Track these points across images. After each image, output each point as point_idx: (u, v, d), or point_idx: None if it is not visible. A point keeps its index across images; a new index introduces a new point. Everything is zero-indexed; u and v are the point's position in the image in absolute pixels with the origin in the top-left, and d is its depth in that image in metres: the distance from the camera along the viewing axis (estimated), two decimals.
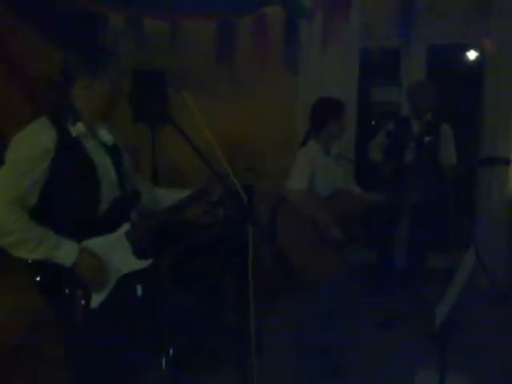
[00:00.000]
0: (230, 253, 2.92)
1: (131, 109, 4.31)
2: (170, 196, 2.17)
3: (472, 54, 4.82)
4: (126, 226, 1.93)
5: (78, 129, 1.86)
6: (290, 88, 4.45)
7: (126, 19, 4.32)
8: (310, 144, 2.91)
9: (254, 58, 4.26)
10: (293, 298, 3.47)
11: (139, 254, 1.96)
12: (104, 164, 1.94)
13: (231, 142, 4.41)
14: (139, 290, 2.77)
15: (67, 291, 1.80)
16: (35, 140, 1.77)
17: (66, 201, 1.82)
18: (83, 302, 1.80)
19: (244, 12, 3.80)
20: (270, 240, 2.70)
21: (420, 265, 3.84)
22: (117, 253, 1.90)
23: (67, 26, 3.59)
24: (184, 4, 3.83)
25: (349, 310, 2.85)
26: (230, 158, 4.32)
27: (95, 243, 1.86)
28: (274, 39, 4.21)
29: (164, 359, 2.57)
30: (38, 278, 1.82)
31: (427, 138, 3.61)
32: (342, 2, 3.33)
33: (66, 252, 1.76)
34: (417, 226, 3.79)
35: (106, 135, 2.00)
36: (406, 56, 4.40)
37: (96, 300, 1.84)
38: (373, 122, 5.59)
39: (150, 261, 1.99)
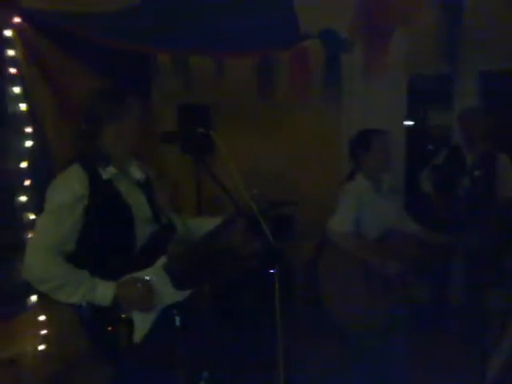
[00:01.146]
0: (259, 289, 2.91)
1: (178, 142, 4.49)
2: (202, 226, 2.21)
3: None
4: (162, 259, 1.97)
5: (109, 172, 1.93)
6: (333, 120, 4.47)
7: (173, 58, 4.53)
8: (357, 179, 2.72)
9: (295, 92, 4.31)
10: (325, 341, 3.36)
11: (177, 285, 1.99)
12: (138, 201, 2.00)
13: (274, 174, 4.47)
14: (177, 321, 2.86)
15: (110, 328, 1.83)
16: (69, 187, 1.83)
17: (102, 241, 1.88)
18: (126, 337, 1.84)
19: (283, 47, 3.87)
20: (310, 282, 2.64)
21: (476, 304, 3.60)
22: (156, 286, 1.92)
23: (119, 67, 3.77)
24: (226, 42, 3.96)
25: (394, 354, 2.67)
26: (273, 190, 4.41)
27: (137, 275, 1.89)
28: (315, 72, 4.25)
29: None
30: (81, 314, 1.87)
31: (477, 173, 3.41)
32: (382, 32, 3.32)
33: (103, 292, 1.81)
34: (473, 264, 3.49)
35: (136, 172, 2.06)
36: (457, 81, 4.27)
37: (139, 334, 1.86)
38: (429, 147, 5.47)
39: (188, 292, 2.02)
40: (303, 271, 4.11)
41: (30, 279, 1.77)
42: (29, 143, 3.08)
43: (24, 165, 3.06)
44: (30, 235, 1.99)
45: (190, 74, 4.56)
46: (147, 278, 1.89)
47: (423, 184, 3.84)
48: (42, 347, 3.25)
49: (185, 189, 4.17)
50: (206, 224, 2.19)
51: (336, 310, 2.59)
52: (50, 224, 1.81)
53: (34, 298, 3.15)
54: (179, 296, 1.99)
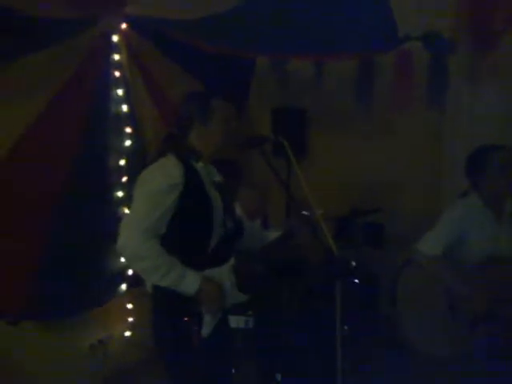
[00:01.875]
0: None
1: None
2: (265, 234, 2.23)
3: None
4: (232, 260, 2.02)
5: (199, 165, 2.02)
6: (436, 127, 4.19)
7: (272, 61, 4.55)
8: (469, 198, 2.48)
9: (397, 96, 4.11)
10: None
11: (242, 288, 2.03)
12: (216, 198, 2.05)
13: (370, 181, 4.30)
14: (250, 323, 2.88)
15: (185, 319, 1.90)
16: (167, 174, 1.93)
17: (187, 232, 1.96)
18: (196, 330, 1.90)
19: (384, 50, 3.70)
20: (390, 303, 2.51)
21: None
22: (226, 284, 1.98)
23: (218, 71, 3.88)
24: (326, 44, 3.89)
25: None
26: (365, 196, 4.23)
27: (211, 274, 1.96)
28: (419, 75, 4.02)
29: None
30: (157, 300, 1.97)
31: None
32: (491, 30, 3.03)
33: (190, 281, 1.88)
34: None
35: (215, 173, 2.13)
36: None
37: (207, 328, 1.93)
38: None
39: (250, 295, 2.05)
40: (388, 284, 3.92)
41: (126, 257, 1.89)
42: (128, 142, 3.30)
43: (122, 162, 3.28)
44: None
45: (289, 78, 4.56)
46: (227, 282, 1.96)
47: None
48: (127, 333, 3.47)
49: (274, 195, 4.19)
50: (271, 234, 2.21)
51: (411, 336, 2.41)
52: (146, 206, 1.89)
53: (123, 286, 3.37)
54: (241, 297, 2.02)
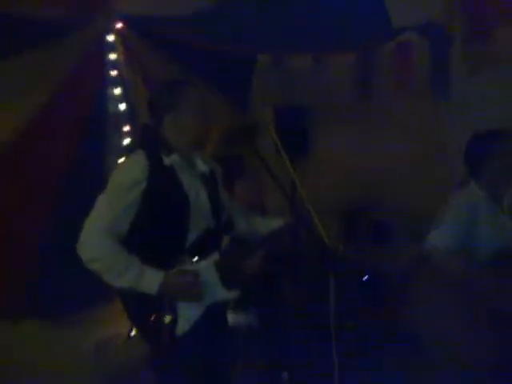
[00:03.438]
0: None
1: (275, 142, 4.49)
2: (265, 224, 2.15)
3: None
4: (214, 256, 1.94)
5: (172, 159, 1.91)
6: (440, 118, 4.14)
7: (273, 58, 4.55)
8: (470, 188, 2.33)
9: (397, 87, 4.08)
10: None
11: (226, 284, 1.94)
12: (198, 194, 1.97)
13: (372, 175, 4.26)
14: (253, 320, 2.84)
15: (153, 317, 1.83)
16: (127, 171, 1.87)
17: (155, 230, 1.88)
18: (169, 329, 1.83)
19: (380, 42, 3.68)
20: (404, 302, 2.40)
21: None
22: (206, 282, 1.89)
23: (219, 67, 3.87)
24: (323, 39, 3.87)
25: None
26: (369, 191, 4.18)
27: (187, 267, 1.88)
28: (420, 65, 3.98)
29: None
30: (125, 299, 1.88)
31: None
32: (488, 17, 2.97)
33: (148, 280, 1.80)
34: None
35: (201, 164, 2.03)
36: None
37: (182, 327, 1.85)
38: None
39: (237, 292, 1.97)
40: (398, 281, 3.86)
41: (82, 257, 1.80)
42: (126, 141, 3.31)
43: (121, 161, 3.29)
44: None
45: (290, 74, 4.54)
46: (207, 278, 1.88)
47: None
48: (133, 333, 3.46)
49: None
50: (270, 224, 2.13)
51: (427, 339, 2.31)
52: (104, 205, 1.84)
53: None
54: (227, 295, 1.94)
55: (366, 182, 4.25)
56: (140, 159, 1.87)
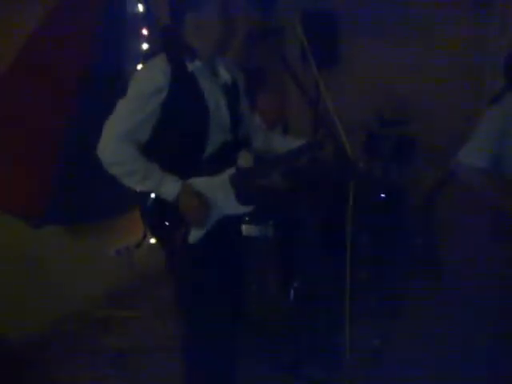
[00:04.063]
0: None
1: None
2: (284, 144, 2.08)
3: None
4: (230, 171, 1.92)
5: (195, 66, 1.85)
6: (479, 32, 3.82)
7: None
8: (506, 100, 2.10)
9: None
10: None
11: (241, 199, 1.94)
12: (218, 105, 1.90)
13: (406, 89, 4.05)
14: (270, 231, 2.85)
15: (168, 223, 1.88)
16: (149, 77, 1.81)
17: (174, 139, 1.86)
18: (181, 236, 1.87)
19: None
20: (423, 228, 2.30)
21: None
22: (219, 195, 1.90)
23: None
24: None
25: None
26: (398, 105, 3.99)
27: (198, 183, 1.88)
28: None
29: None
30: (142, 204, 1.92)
31: None
32: None
33: (168, 187, 1.81)
34: None
35: (224, 72, 1.94)
36: None
37: (194, 236, 1.88)
38: None
39: (251, 207, 1.96)
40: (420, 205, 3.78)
41: (103, 160, 1.81)
42: (145, 45, 3.16)
43: (139, 67, 3.16)
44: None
45: None
46: (219, 193, 1.88)
47: None
48: (152, 241, 3.54)
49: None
50: (290, 144, 2.06)
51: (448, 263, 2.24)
52: (125, 110, 1.81)
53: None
54: (241, 209, 1.94)
55: (394, 97, 4.06)
56: (162, 64, 1.80)
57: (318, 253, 2.82)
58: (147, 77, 1.83)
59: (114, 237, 3.38)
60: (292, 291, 2.82)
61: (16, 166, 2.66)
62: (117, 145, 1.79)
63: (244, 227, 2.20)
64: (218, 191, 1.90)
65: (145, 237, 2.90)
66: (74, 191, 2.83)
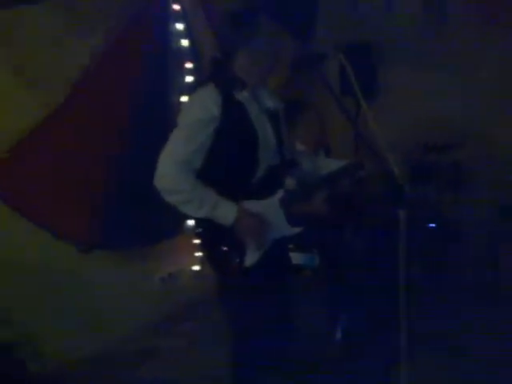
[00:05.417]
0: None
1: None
2: (328, 165, 2.12)
3: None
4: (279, 193, 1.95)
5: (242, 95, 1.91)
6: None
7: None
8: None
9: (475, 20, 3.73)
10: None
11: (291, 221, 1.95)
12: (265, 130, 1.96)
13: (446, 116, 4.00)
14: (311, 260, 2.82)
15: (224, 248, 1.90)
16: (202, 106, 1.87)
17: (225, 165, 1.91)
18: (238, 260, 1.89)
19: None
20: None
21: None
22: (272, 216, 1.93)
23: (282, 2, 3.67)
24: None
25: None
26: (443, 133, 3.93)
27: (252, 205, 1.91)
28: None
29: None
30: (199, 231, 1.98)
31: None
32: None
33: (225, 211, 1.85)
34: None
35: (268, 100, 2.01)
36: None
37: (250, 259, 1.90)
38: None
39: (301, 229, 1.97)
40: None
41: (160, 189, 1.86)
42: (189, 78, 3.27)
43: (184, 99, 3.27)
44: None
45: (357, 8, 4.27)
46: (271, 215, 1.90)
47: None
48: (196, 268, 3.57)
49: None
50: (333, 165, 2.10)
51: None
52: (181, 139, 1.86)
53: (190, 222, 3.44)
54: (291, 230, 1.96)
55: (439, 123, 4.02)
56: (213, 94, 1.87)
57: (366, 285, 2.73)
58: (201, 106, 1.88)
59: (159, 263, 3.42)
60: (339, 327, 2.74)
61: (67, 191, 2.76)
62: (173, 174, 1.84)
63: (292, 255, 2.19)
64: (271, 213, 1.93)
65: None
66: (122, 217, 2.92)
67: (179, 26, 3.20)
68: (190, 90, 3.20)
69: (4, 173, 2.55)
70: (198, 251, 3.56)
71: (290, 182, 1.98)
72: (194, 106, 1.93)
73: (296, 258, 2.72)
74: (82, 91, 2.72)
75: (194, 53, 3.30)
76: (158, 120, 3.05)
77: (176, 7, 3.16)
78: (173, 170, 1.84)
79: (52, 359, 2.57)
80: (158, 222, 3.10)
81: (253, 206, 1.91)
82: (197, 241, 3.46)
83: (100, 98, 2.76)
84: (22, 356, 2.38)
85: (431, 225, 3.67)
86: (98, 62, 2.79)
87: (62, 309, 2.76)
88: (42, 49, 2.61)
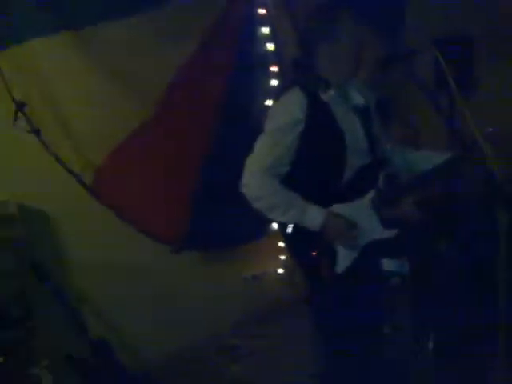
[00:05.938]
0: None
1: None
2: (423, 161, 1.99)
3: None
4: (371, 194, 1.88)
5: (328, 95, 1.86)
6: None
7: None
8: None
9: None
10: None
11: (384, 223, 1.88)
12: (353, 129, 1.90)
13: None
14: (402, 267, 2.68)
15: (314, 253, 1.87)
16: (287, 111, 1.86)
17: (313, 168, 1.88)
18: (329, 265, 1.85)
19: None
20: None
21: None
22: (363, 219, 1.87)
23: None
24: None
25: None
26: None
27: (341, 209, 1.87)
28: None
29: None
30: (287, 234, 1.93)
31: None
32: None
33: (312, 217, 1.82)
34: None
35: (356, 96, 1.95)
36: None
37: (342, 265, 1.85)
38: None
39: (395, 231, 1.89)
40: None
41: (247, 196, 1.86)
42: (274, 82, 3.26)
43: (269, 102, 3.27)
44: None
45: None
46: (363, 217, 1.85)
47: None
48: (280, 271, 3.56)
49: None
50: (428, 160, 1.95)
51: None
52: (266, 145, 1.86)
53: (275, 225, 3.43)
54: (385, 233, 1.88)
55: None
56: (298, 97, 1.85)
57: (463, 298, 2.54)
58: (285, 111, 1.87)
59: (244, 264, 3.45)
60: (430, 342, 2.58)
61: (159, 193, 2.87)
62: (260, 180, 1.84)
63: (384, 261, 2.10)
64: (362, 216, 1.87)
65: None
66: (211, 218, 2.98)
67: (265, 30, 3.21)
68: (275, 94, 3.24)
69: (104, 180, 2.69)
70: (282, 254, 3.56)
71: (381, 182, 1.90)
72: (279, 111, 1.92)
73: (388, 264, 2.61)
74: (174, 94, 2.82)
75: (279, 56, 3.29)
76: (246, 121, 3.09)
77: (261, 11, 3.18)
78: (258, 177, 1.84)
79: (141, 356, 2.69)
80: (246, 224, 3.13)
81: (342, 208, 1.86)
82: (282, 244, 3.51)
83: (191, 100, 2.86)
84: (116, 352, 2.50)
85: None
86: (188, 65, 2.88)
87: (151, 308, 2.88)
88: (136, 56, 2.73)
